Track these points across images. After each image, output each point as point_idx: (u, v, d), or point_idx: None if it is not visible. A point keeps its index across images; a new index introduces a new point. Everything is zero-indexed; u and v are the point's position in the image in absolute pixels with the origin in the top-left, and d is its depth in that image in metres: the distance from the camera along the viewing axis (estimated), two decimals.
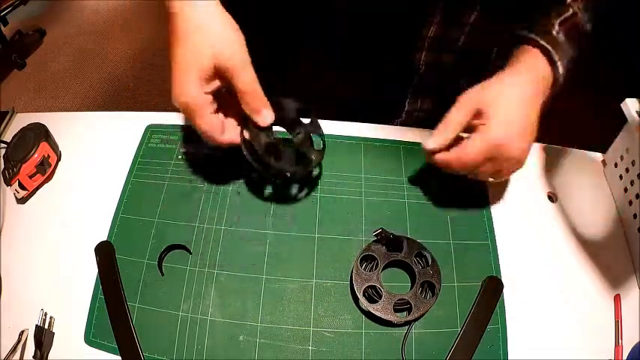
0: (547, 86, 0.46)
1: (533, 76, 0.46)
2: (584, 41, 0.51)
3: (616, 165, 0.53)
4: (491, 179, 0.48)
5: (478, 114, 0.44)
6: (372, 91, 0.60)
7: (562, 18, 0.48)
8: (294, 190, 0.51)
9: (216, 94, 0.44)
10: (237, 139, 0.45)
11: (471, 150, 0.44)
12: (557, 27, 0.48)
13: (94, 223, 0.49)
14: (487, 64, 0.58)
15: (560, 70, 0.47)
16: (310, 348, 0.42)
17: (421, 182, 0.52)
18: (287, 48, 0.58)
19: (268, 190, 0.51)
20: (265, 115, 0.44)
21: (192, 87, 0.41)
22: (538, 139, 0.57)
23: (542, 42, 0.46)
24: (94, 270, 0.46)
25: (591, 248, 0.49)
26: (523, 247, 0.48)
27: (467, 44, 0.55)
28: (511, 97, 0.44)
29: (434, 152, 0.46)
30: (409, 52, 0.55)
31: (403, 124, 0.60)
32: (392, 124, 0.59)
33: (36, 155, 0.51)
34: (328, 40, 0.55)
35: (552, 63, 0.46)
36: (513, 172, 0.47)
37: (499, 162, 0.44)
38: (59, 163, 0.55)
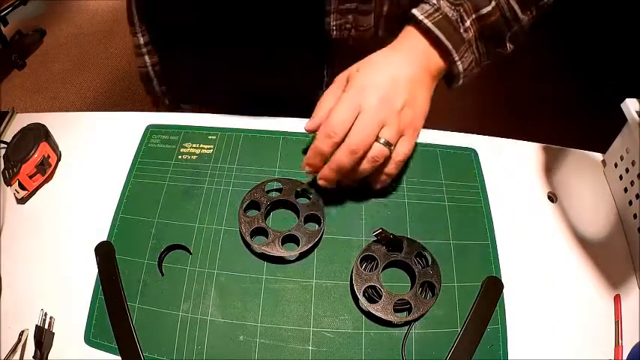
0: (430, 62, 0.45)
1: (409, 52, 0.45)
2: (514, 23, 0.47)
3: (616, 165, 0.53)
4: (391, 166, 0.46)
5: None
6: (287, 63, 0.59)
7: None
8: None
9: None
10: None
11: (335, 108, 0.43)
12: (468, 23, 0.45)
13: (94, 223, 0.49)
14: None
15: (460, 68, 0.46)
16: (310, 348, 0.42)
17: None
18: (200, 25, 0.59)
19: (268, 191, 0.51)
20: None
21: None
22: (537, 139, 0.58)
23: (445, 42, 0.44)
24: (94, 270, 0.46)
25: (591, 248, 0.49)
26: (523, 247, 0.49)
27: (381, 6, 0.53)
28: (373, 59, 0.45)
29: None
30: (318, 17, 0.53)
31: None
32: (315, 92, 0.58)
33: (36, 155, 0.51)
34: (233, 13, 0.55)
35: (451, 62, 0.45)
36: (403, 140, 0.45)
37: (369, 117, 0.42)
38: (59, 163, 0.55)
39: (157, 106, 0.69)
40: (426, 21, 0.44)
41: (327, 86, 0.59)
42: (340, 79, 0.47)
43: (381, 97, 0.42)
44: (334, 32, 0.54)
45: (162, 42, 0.62)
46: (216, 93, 0.66)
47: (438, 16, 0.44)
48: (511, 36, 0.48)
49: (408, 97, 0.44)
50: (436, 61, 0.46)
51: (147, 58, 0.63)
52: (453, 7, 0.45)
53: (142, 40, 0.61)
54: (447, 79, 0.49)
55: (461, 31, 0.45)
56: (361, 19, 0.54)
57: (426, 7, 0.45)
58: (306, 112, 0.62)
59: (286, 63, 0.60)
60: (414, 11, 0.46)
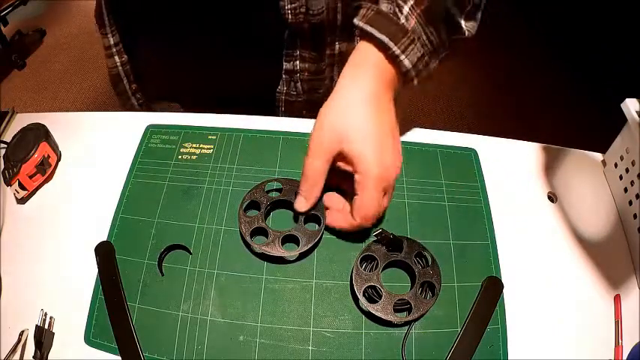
0: (391, 80, 0.43)
1: (373, 74, 0.42)
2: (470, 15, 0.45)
3: (616, 165, 0.53)
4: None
5: (341, 157, 0.42)
6: (242, 50, 0.59)
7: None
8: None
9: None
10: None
11: (370, 205, 0.42)
12: (407, 10, 0.42)
13: (94, 223, 0.49)
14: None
15: (407, 63, 0.42)
16: (310, 348, 0.42)
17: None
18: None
19: (268, 191, 0.51)
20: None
21: None
22: (537, 139, 0.58)
23: (379, 36, 0.41)
24: (94, 270, 0.46)
25: (591, 248, 0.49)
26: (523, 247, 0.49)
27: None
28: (365, 124, 0.41)
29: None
30: (271, 1, 0.53)
31: (287, 88, 0.59)
32: (275, 88, 0.59)
33: (36, 155, 0.51)
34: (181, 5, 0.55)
35: (393, 58, 0.42)
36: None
37: (392, 185, 0.44)
38: (59, 163, 0.55)
39: (126, 107, 0.70)
40: (361, 23, 0.42)
41: (287, 82, 0.58)
42: (327, 146, 0.42)
43: (394, 182, 0.44)
44: (289, 16, 0.53)
45: (131, 38, 0.63)
46: (183, 85, 0.67)
47: (370, 13, 0.43)
48: (466, 14, 0.46)
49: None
50: (389, 70, 0.43)
51: (117, 58, 0.64)
52: (388, 1, 0.42)
53: (112, 41, 0.62)
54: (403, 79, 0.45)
55: (399, 22, 0.41)
56: (312, 2, 0.53)
57: (363, 10, 0.43)
58: (266, 105, 0.62)
59: (247, 55, 0.60)
60: (355, 20, 0.43)
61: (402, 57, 0.42)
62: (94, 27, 0.62)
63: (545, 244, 0.49)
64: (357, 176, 0.41)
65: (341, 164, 0.43)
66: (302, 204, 0.45)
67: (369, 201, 0.42)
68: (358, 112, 0.41)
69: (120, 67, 0.65)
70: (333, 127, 0.42)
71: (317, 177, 0.43)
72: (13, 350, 0.41)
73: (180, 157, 0.54)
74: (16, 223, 0.51)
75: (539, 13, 2.17)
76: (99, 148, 0.56)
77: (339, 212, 0.46)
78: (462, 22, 0.46)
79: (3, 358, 0.41)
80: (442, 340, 0.42)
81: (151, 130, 0.57)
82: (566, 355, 0.42)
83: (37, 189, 0.53)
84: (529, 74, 1.97)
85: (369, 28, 0.42)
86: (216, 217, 0.49)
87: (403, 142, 0.55)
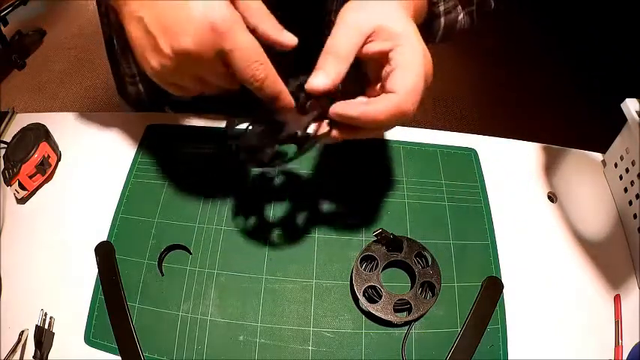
0: (419, 7, 0.40)
1: None
2: None
3: (616, 165, 0.53)
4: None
5: (374, 34, 0.34)
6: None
7: None
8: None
9: None
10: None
11: (418, 83, 0.32)
12: None
13: (94, 223, 0.49)
14: None
15: None
16: (310, 348, 0.42)
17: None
18: None
19: (268, 191, 0.51)
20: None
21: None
22: (537, 139, 0.58)
23: None
24: (94, 270, 0.46)
25: (591, 248, 0.49)
26: (523, 247, 0.49)
27: None
28: (403, 12, 0.35)
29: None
30: (320, 14, 0.50)
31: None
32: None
33: (36, 155, 0.51)
34: None
35: None
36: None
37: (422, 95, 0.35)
38: (59, 163, 0.55)
39: (127, 108, 0.70)
40: None
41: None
42: (362, 21, 0.34)
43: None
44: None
45: None
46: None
47: None
48: None
49: None
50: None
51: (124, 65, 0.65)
52: None
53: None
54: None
55: None
56: None
57: None
58: None
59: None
60: None
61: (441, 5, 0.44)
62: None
63: (545, 244, 0.49)
64: (400, 49, 0.33)
65: (370, 45, 0.34)
66: (320, 78, 0.33)
67: (414, 77, 0.32)
68: (393, 4, 0.35)
69: (129, 79, 0.66)
70: (370, 7, 0.34)
71: (347, 50, 0.33)
72: (13, 350, 0.41)
73: (179, 157, 0.54)
74: (16, 223, 0.51)
75: (539, 14, 2.17)
76: (99, 148, 0.56)
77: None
78: None
79: (3, 358, 0.41)
80: (442, 340, 0.42)
81: (151, 130, 0.57)
82: (567, 355, 0.42)
83: (37, 189, 0.53)
84: (529, 74, 1.97)
85: None
86: (216, 217, 0.49)
87: (403, 142, 0.56)
